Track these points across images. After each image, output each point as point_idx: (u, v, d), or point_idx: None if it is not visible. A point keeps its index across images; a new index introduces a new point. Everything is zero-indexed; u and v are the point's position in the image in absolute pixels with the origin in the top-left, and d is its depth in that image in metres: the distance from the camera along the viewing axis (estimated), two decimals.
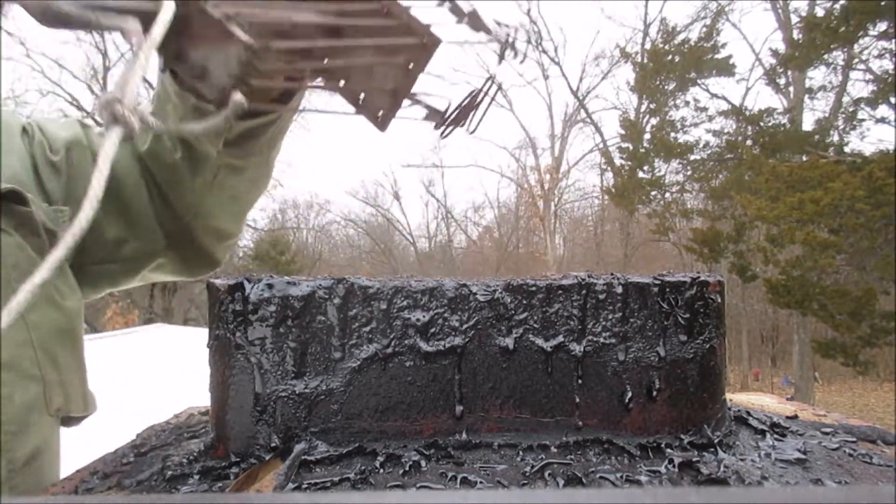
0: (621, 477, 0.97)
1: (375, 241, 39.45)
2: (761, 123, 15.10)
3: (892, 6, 10.55)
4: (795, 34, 14.54)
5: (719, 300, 1.18)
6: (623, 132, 21.06)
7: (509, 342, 1.15)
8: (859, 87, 16.74)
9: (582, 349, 1.15)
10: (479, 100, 0.85)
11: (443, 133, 0.86)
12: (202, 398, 1.38)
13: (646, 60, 18.04)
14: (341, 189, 47.52)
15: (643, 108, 23.83)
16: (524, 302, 1.17)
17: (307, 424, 1.11)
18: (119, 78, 0.63)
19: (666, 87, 17.50)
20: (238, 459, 1.09)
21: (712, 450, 1.08)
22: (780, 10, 18.91)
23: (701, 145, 17.17)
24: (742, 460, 1.00)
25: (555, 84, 42.49)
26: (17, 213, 0.93)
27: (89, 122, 1.20)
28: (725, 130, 17.37)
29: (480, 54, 33.99)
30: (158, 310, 24.13)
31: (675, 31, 18.84)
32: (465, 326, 1.14)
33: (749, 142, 15.57)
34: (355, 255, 41.63)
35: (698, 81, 17.38)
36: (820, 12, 13.06)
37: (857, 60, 14.62)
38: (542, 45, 29.39)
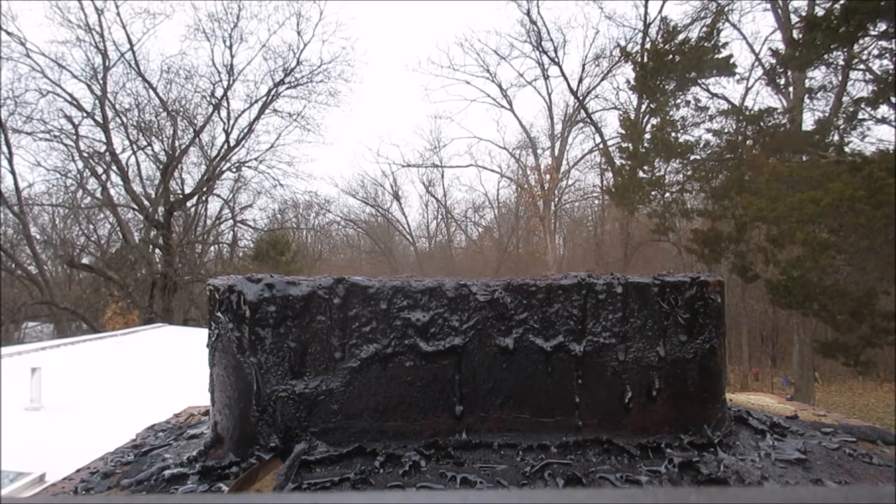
0: (621, 477, 0.97)
1: (375, 241, 39.43)
2: (761, 123, 15.08)
3: (892, 6, 10.55)
4: (795, 34, 14.52)
5: (719, 300, 1.19)
6: (623, 132, 21.06)
7: (509, 342, 1.15)
8: (859, 87, 16.69)
9: (582, 349, 1.15)
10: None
11: None
12: (202, 398, 1.38)
13: (646, 60, 18.02)
14: (341, 189, 47.51)
15: (643, 107, 23.84)
16: (524, 302, 1.17)
17: (307, 424, 1.11)
18: None
19: (666, 86, 17.46)
20: (238, 459, 1.09)
21: (712, 450, 1.08)
22: (780, 10, 18.89)
23: (701, 145, 17.15)
24: (742, 460, 1.00)
25: (555, 84, 42.41)
26: None
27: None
28: (725, 130, 17.34)
29: (481, 54, 33.99)
30: (158, 310, 24.13)
31: (675, 30, 18.82)
32: (465, 326, 1.14)
33: (749, 142, 15.55)
34: (355, 255, 41.59)
35: (698, 81, 17.35)
36: (820, 12, 13.05)
37: (857, 60, 14.60)
38: (542, 44, 29.38)
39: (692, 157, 17.16)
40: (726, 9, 19.14)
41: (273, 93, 27.44)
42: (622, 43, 26.06)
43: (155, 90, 26.01)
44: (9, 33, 21.95)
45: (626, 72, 27.94)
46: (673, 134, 17.60)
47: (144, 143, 26.46)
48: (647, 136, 18.64)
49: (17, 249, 25.57)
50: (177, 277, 25.35)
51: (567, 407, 1.11)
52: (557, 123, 33.51)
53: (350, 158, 78.02)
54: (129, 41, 24.61)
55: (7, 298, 22.98)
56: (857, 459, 1.02)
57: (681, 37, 18.35)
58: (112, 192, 25.99)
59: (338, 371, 1.09)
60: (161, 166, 26.65)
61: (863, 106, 14.32)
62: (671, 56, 16.85)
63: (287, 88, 27.71)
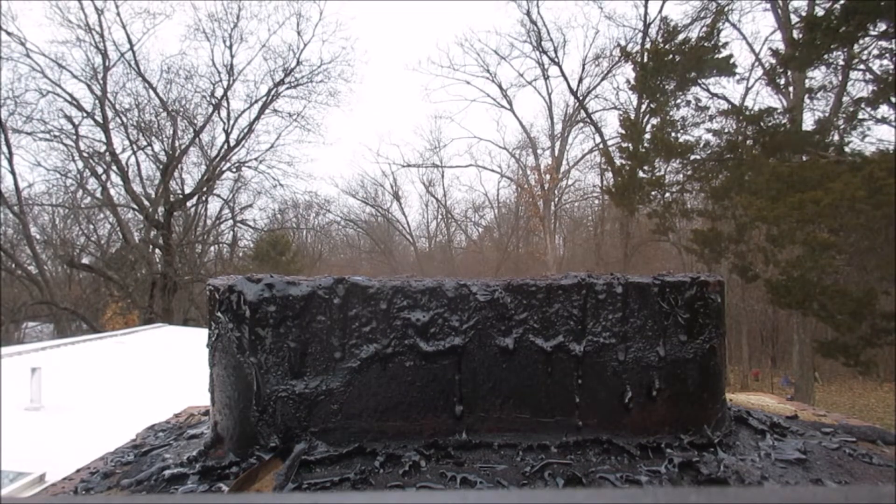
0: (621, 477, 0.97)
1: (375, 241, 39.43)
2: (761, 123, 15.07)
3: (893, 6, 10.54)
4: (795, 34, 14.53)
5: (719, 300, 1.19)
6: (623, 132, 21.07)
7: (509, 342, 1.15)
8: (859, 87, 16.69)
9: (582, 349, 1.15)
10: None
11: None
12: (202, 398, 1.38)
13: (646, 60, 18.02)
14: (341, 189, 47.49)
15: (643, 107, 23.84)
16: (524, 302, 1.17)
17: (307, 424, 1.11)
18: None
19: (666, 86, 17.46)
20: (238, 459, 1.09)
21: (712, 450, 1.08)
22: (780, 10, 18.89)
23: (701, 145, 17.14)
24: (742, 460, 1.00)
25: (555, 84, 42.36)
26: None
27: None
28: (725, 130, 17.33)
29: (481, 54, 33.98)
30: (158, 310, 24.12)
31: (675, 30, 18.82)
32: (465, 326, 1.15)
33: (749, 142, 15.55)
34: (355, 255, 41.59)
35: (698, 81, 17.34)
36: (820, 12, 13.05)
37: (857, 60, 14.59)
38: (542, 44, 29.38)
39: (692, 157, 17.16)
40: (726, 9, 19.14)
41: (273, 93, 27.45)
42: (622, 43, 26.09)
43: (155, 90, 26.03)
44: (9, 33, 21.95)
45: (626, 72, 27.96)
46: (673, 134, 17.60)
47: (144, 143, 26.47)
48: (647, 136, 18.64)
49: (17, 249, 25.57)
50: (177, 277, 25.34)
51: (567, 407, 1.11)
52: (557, 123, 33.53)
53: (350, 158, 78.05)
54: (129, 41, 24.62)
55: (7, 298, 22.98)
56: (857, 459, 1.02)
57: (681, 37, 18.36)
58: (112, 192, 26.00)
59: (338, 371, 1.09)
60: (161, 166, 26.65)
61: (863, 106, 14.31)
62: (671, 56, 16.85)
63: (287, 88, 27.72)
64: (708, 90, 18.15)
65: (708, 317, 1.15)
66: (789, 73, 17.22)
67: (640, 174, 17.96)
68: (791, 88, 18.10)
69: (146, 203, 26.64)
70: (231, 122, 27.48)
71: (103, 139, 25.01)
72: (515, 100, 51.07)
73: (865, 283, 12.35)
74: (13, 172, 23.36)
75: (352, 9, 66.84)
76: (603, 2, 38.97)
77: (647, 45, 21.47)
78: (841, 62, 15.10)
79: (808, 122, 16.75)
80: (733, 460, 1.01)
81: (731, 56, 16.69)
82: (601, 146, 29.21)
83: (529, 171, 34.86)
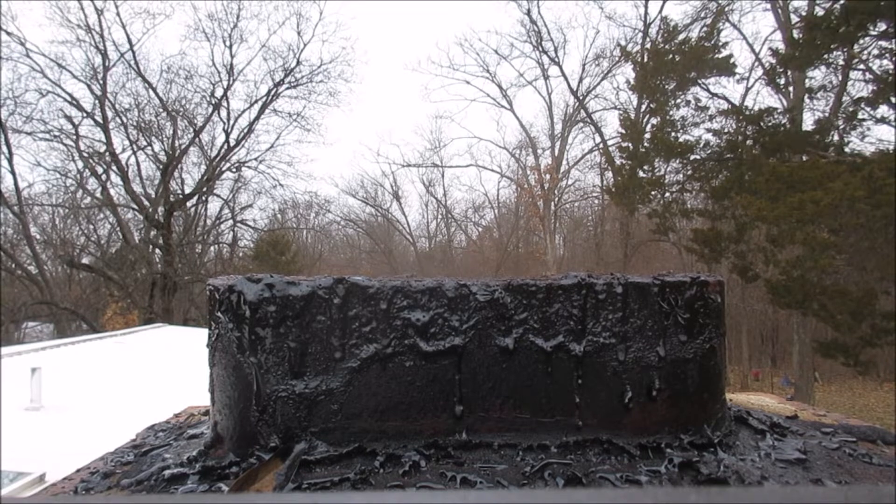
0: (621, 477, 0.97)
1: (375, 241, 39.43)
2: (761, 123, 15.07)
3: (893, 6, 10.54)
4: (795, 34, 14.54)
5: (719, 300, 1.19)
6: (623, 132, 21.09)
7: (509, 342, 1.15)
8: (859, 87, 16.70)
9: (582, 349, 1.15)
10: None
11: None
12: (202, 398, 1.38)
13: (646, 60, 18.04)
14: (341, 189, 47.50)
15: (643, 107, 23.85)
16: (524, 302, 1.17)
17: (307, 424, 1.11)
18: None
19: (666, 86, 17.47)
20: (238, 459, 1.09)
21: (712, 450, 1.08)
22: (780, 10, 18.89)
23: (701, 145, 17.14)
24: (742, 460, 1.00)
25: (555, 84, 42.35)
26: None
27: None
28: (725, 130, 17.33)
29: (481, 54, 33.98)
30: (158, 310, 24.12)
31: (675, 30, 18.82)
32: (465, 326, 1.14)
33: (749, 142, 15.55)
34: (355, 255, 41.60)
35: (698, 81, 17.35)
36: (820, 12, 13.05)
37: (857, 60, 14.59)
38: (543, 44, 29.38)
39: (692, 157, 17.17)
40: (726, 9, 19.14)
41: (273, 93, 27.44)
42: (622, 43, 26.10)
43: (155, 90, 26.02)
44: (9, 33, 21.95)
45: (626, 72, 27.96)
46: (673, 134, 17.61)
47: (144, 143, 26.47)
48: (647, 136, 18.65)
49: (17, 249, 25.57)
50: (177, 277, 25.34)
51: (567, 407, 1.11)
52: (557, 123, 33.54)
53: (350, 158, 78.12)
54: (129, 41, 24.62)
55: (7, 298, 22.98)
56: (857, 459, 1.02)
57: (681, 37, 18.37)
58: (112, 192, 26.01)
59: (338, 371, 1.09)
60: (161, 166, 26.65)
61: (863, 106, 14.31)
62: (671, 56, 16.86)
63: (287, 88, 27.71)
64: (708, 90, 18.17)
65: (708, 317, 1.15)
66: (789, 73, 17.22)
67: (640, 174, 17.98)
68: (791, 88, 18.10)
69: (146, 203, 26.64)
70: (231, 122, 27.50)
71: (103, 139, 25.03)
72: (515, 100, 51.17)
73: (865, 283, 12.35)
74: (13, 172, 23.39)
75: (352, 9, 66.86)
76: (603, 2, 38.99)
77: (647, 45, 21.48)
78: (841, 62, 15.10)
79: (808, 122, 16.75)
80: (733, 460, 1.01)
81: (731, 56, 16.72)
82: (601, 146, 29.22)
83: (529, 171, 34.88)
